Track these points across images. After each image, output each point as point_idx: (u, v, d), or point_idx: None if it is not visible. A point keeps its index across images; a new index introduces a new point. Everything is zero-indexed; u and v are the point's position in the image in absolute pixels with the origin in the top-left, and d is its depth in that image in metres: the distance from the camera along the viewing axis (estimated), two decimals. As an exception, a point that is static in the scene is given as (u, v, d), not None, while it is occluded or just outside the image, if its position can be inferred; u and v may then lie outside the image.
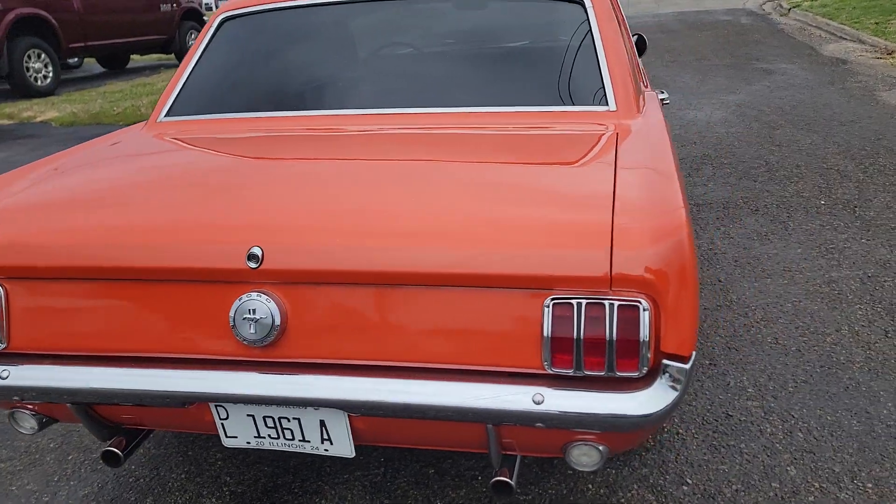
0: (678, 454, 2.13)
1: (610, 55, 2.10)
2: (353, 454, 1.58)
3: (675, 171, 1.66)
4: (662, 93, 2.81)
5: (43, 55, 10.19)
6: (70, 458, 2.27)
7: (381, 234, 1.39)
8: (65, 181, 1.76)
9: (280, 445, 1.59)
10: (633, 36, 3.45)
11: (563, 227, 1.34)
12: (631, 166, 1.58)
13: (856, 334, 2.72)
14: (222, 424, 1.58)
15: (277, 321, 1.41)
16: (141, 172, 1.80)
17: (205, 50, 2.38)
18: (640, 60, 2.56)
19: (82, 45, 10.93)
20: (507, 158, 1.73)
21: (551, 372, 1.34)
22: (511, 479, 1.52)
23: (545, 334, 1.32)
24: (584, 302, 1.31)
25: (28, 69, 9.99)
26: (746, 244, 3.61)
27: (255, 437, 1.59)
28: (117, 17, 11.34)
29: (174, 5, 12.46)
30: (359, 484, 2.07)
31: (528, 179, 1.57)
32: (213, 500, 2.05)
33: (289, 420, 1.54)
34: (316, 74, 2.24)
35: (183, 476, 2.16)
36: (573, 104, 2.03)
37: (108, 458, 1.70)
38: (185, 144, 2.01)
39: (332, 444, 1.56)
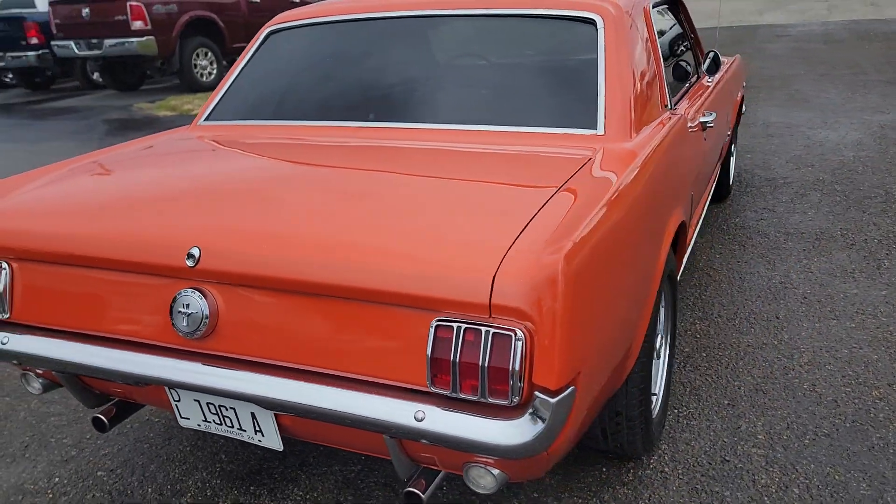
0: (654, 492, 2.06)
1: (611, 77, 2.06)
2: (282, 448, 1.69)
3: (631, 197, 1.63)
4: (708, 115, 2.69)
5: (209, 53, 11.14)
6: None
7: (299, 245, 1.48)
8: (78, 177, 1.99)
9: (223, 431, 1.72)
10: (706, 53, 3.31)
11: (459, 251, 1.36)
12: (573, 193, 1.56)
13: (909, 391, 2.47)
14: (176, 406, 1.74)
15: (207, 317, 1.54)
16: (144, 172, 2.00)
17: (249, 60, 2.58)
18: (664, 79, 2.46)
19: (244, 45, 11.83)
20: (460, 177, 1.76)
21: (433, 391, 1.38)
22: (423, 492, 1.56)
23: (428, 354, 1.35)
24: (463, 326, 1.33)
25: (195, 66, 10.97)
26: (825, 281, 3.35)
27: (202, 420, 1.73)
28: (238, 17, 12.05)
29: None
30: (332, 477, 2.18)
31: (463, 200, 1.59)
32: (205, 474, 2.24)
33: (227, 409, 1.66)
34: (330, 87, 2.36)
35: (188, 448, 2.36)
36: (562, 126, 2.01)
37: (96, 423, 1.91)
38: (200, 148, 2.20)
39: (263, 435, 1.67)
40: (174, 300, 1.56)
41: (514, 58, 2.23)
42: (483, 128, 2.06)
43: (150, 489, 2.18)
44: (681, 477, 2.12)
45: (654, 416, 2.21)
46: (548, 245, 1.33)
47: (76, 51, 10.81)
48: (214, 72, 11.31)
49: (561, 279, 1.28)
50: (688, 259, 3.59)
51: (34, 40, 11.86)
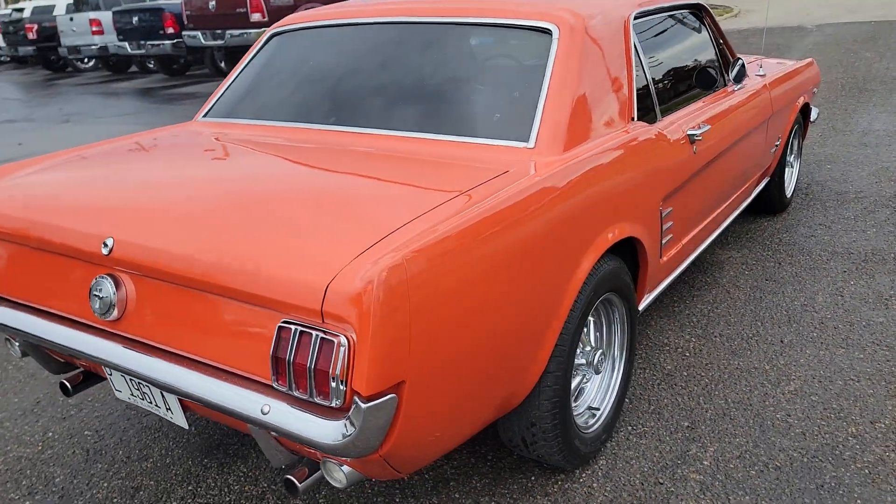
0: (571, 507, 2.06)
1: (554, 89, 2.06)
2: (187, 426, 1.84)
3: (525, 211, 1.66)
4: (699, 128, 2.60)
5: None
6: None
7: (187, 242, 1.61)
8: (53, 169, 2.22)
9: (145, 406, 1.90)
10: (734, 61, 3.17)
11: (308, 259, 1.45)
12: (455, 206, 1.60)
13: (891, 432, 2.31)
14: (110, 380, 1.93)
15: (114, 302, 1.71)
16: (107, 166, 2.19)
17: (249, 61, 2.76)
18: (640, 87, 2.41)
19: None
20: (363, 183, 1.83)
21: (275, 387, 1.48)
22: (301, 481, 1.66)
23: (271, 352, 1.46)
24: (299, 329, 1.42)
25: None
26: (852, 307, 3.14)
27: (130, 395, 1.92)
28: None
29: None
30: (277, 458, 2.32)
31: (349, 206, 1.67)
32: (171, 443, 2.45)
33: (145, 386, 1.84)
34: (303, 90, 2.48)
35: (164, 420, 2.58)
36: (497, 137, 2.03)
37: (62, 388, 2.15)
38: (173, 145, 2.39)
39: (172, 413, 1.84)
40: (92, 284, 1.74)
41: (470, 66, 2.27)
42: (421, 135, 2.12)
43: (121, 451, 2.42)
44: (606, 495, 2.10)
45: (591, 431, 2.20)
46: (383, 256, 1.39)
47: (203, 41, 11.61)
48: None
49: (378, 290, 1.34)
50: (712, 274, 3.47)
51: (170, 30, 12.85)
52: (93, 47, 14.81)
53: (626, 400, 2.56)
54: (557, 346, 1.92)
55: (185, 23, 11.80)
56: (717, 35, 3.19)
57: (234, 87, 2.70)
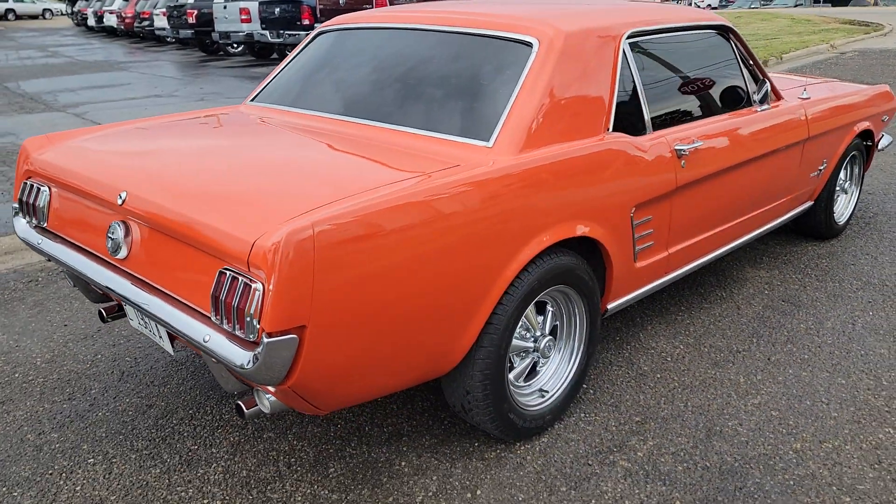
0: (500, 473, 2.28)
1: (523, 95, 2.29)
2: (173, 353, 2.23)
3: (454, 199, 1.92)
4: (690, 144, 2.73)
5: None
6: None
7: (173, 196, 1.99)
8: (106, 136, 2.68)
9: (147, 333, 2.31)
10: (761, 83, 3.24)
11: (252, 218, 1.79)
12: (393, 187, 1.89)
13: (835, 452, 2.37)
14: (126, 309, 2.36)
15: (121, 244, 2.12)
16: (153, 136, 2.63)
17: (297, 54, 3.14)
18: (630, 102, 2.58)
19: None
20: (334, 163, 2.15)
21: (213, 320, 1.82)
22: (248, 407, 2.00)
23: (211, 292, 1.80)
24: (231, 274, 1.76)
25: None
26: (859, 336, 3.13)
27: (139, 323, 2.34)
28: None
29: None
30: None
31: (311, 180, 1.99)
32: (194, 368, 2.87)
33: (146, 314, 2.24)
34: (326, 83, 2.83)
35: (187, 364, 3.02)
36: (463, 135, 2.29)
37: (99, 314, 2.61)
38: (215, 124, 2.80)
39: (163, 340, 2.23)
40: (109, 226, 2.17)
41: (458, 71, 2.52)
42: (402, 128, 2.41)
43: (148, 376, 2.87)
44: (535, 467, 2.31)
45: (534, 409, 2.42)
46: (297, 222, 1.69)
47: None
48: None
49: (284, 248, 1.65)
50: (729, 289, 3.54)
51: (306, 21, 13.72)
52: (240, 34, 16.01)
53: (591, 391, 2.73)
54: (492, 325, 2.15)
55: (318, 16, 12.59)
56: (745, 56, 3.26)
57: (279, 77, 3.09)
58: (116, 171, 2.28)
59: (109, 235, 2.16)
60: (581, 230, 2.32)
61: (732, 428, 2.51)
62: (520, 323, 2.35)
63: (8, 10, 45.68)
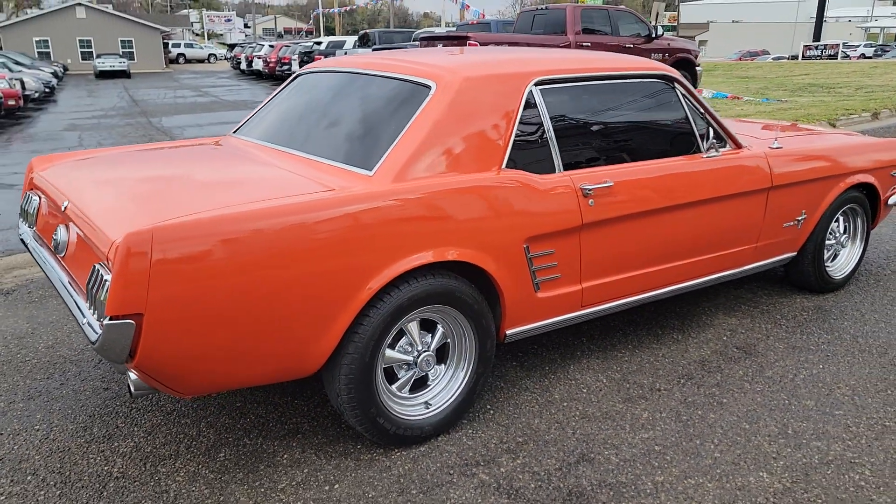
0: (359, 474, 2.50)
1: (412, 131, 2.56)
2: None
3: (309, 217, 2.21)
4: (596, 183, 2.87)
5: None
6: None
7: (98, 208, 2.40)
8: (94, 159, 3.15)
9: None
10: (706, 132, 3.32)
11: (128, 222, 2.15)
12: (258, 204, 2.21)
13: (683, 500, 2.42)
14: (78, 300, 2.79)
15: (62, 244, 2.56)
16: (133, 157, 3.09)
17: (276, 94, 3.55)
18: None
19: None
20: (226, 185, 2.50)
21: (87, 307, 2.19)
22: (133, 388, 2.33)
23: (86, 281, 2.17)
24: (98, 267, 2.12)
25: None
26: (792, 387, 3.10)
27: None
28: None
29: (665, 55, 13.44)
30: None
31: (196, 196, 2.35)
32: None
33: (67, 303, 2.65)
34: (279, 119, 3.22)
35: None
36: (353, 164, 2.59)
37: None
38: (191, 149, 3.23)
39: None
40: (56, 228, 2.61)
41: (369, 108, 2.83)
42: (310, 156, 2.76)
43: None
44: (400, 471, 2.51)
45: (412, 419, 2.63)
46: (140, 227, 2.04)
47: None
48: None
49: (122, 247, 1.99)
50: (686, 331, 3.58)
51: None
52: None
53: (491, 410, 2.89)
54: (357, 334, 2.40)
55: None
56: (693, 105, 3.35)
57: (259, 111, 3.51)
58: (74, 183, 2.73)
59: (54, 237, 2.60)
60: (452, 255, 2.52)
61: (606, 457, 2.60)
62: (399, 336, 2.58)
63: (179, 55, 50.84)
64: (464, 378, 2.75)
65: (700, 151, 3.33)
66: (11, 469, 2.52)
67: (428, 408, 2.70)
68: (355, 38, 21.56)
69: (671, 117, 3.30)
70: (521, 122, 2.80)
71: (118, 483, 2.44)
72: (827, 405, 2.95)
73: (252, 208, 2.20)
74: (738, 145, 3.50)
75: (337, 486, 2.44)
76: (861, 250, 4.26)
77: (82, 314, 2.24)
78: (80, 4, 42.28)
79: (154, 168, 2.90)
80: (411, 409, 2.67)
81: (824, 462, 2.57)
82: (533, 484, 2.45)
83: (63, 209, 2.55)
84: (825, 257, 4.12)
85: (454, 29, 17.59)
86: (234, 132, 3.51)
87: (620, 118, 3.15)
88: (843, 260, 4.23)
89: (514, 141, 2.77)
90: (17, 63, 24.72)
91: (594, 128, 3.05)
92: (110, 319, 2.03)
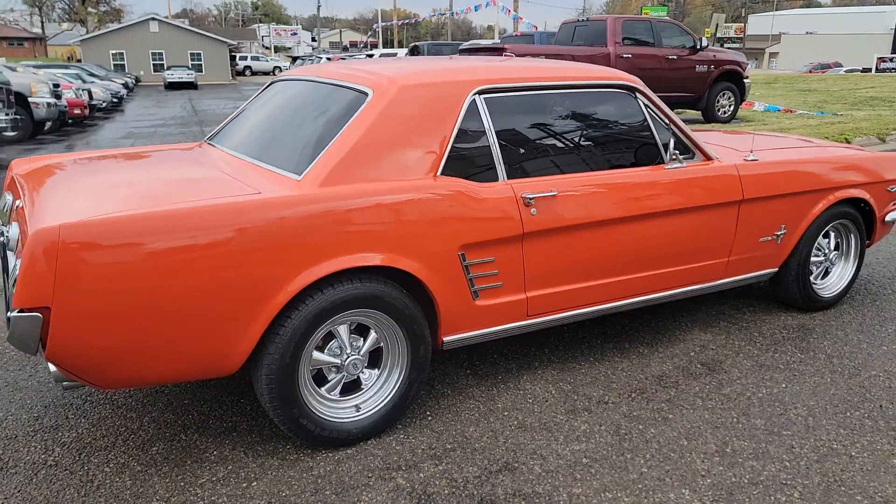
0: (281, 473, 2.55)
1: (344, 137, 2.61)
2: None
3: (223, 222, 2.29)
4: (540, 193, 2.86)
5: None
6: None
7: (44, 204, 2.53)
8: (86, 158, 3.31)
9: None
10: (667, 142, 3.27)
11: (50, 220, 2.26)
12: (179, 204, 2.30)
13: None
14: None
15: (11, 241, 2.70)
16: (110, 161, 3.22)
17: (250, 100, 3.66)
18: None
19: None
20: (169, 189, 2.60)
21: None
22: (55, 378, 2.43)
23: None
24: (17, 261, 2.23)
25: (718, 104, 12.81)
26: (746, 407, 3.02)
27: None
28: (656, 72, 12.71)
29: (711, 67, 13.18)
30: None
31: (132, 197, 2.45)
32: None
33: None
34: (241, 122, 3.32)
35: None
36: (286, 168, 2.66)
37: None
38: (165, 153, 3.36)
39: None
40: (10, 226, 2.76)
41: (313, 114, 2.89)
42: (254, 161, 2.84)
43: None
44: (321, 472, 2.54)
45: (341, 421, 2.66)
46: (55, 222, 2.14)
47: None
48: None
49: (30, 245, 2.09)
50: (654, 346, 3.53)
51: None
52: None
53: (430, 416, 2.90)
54: (278, 335, 2.45)
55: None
56: (656, 115, 3.30)
57: (233, 118, 3.62)
58: (34, 183, 2.88)
59: (6, 233, 2.74)
60: (377, 260, 2.56)
61: (530, 467, 2.58)
62: (329, 339, 2.63)
63: (246, 67, 52.51)
64: (396, 383, 2.77)
65: (662, 163, 3.28)
66: (-41, 453, 2.67)
67: (358, 411, 2.73)
68: (405, 50, 21.89)
69: (631, 127, 3.27)
70: (461, 131, 2.81)
71: (49, 471, 2.55)
72: (777, 425, 2.85)
73: (163, 209, 2.28)
74: (707, 157, 3.43)
75: (255, 483, 2.49)
76: (854, 268, 4.10)
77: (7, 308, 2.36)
78: (153, 19, 44.14)
79: (113, 171, 3.02)
80: (341, 411, 2.71)
81: (754, 482, 2.49)
82: (447, 490, 2.45)
83: (17, 207, 2.69)
84: (815, 274, 3.99)
85: (499, 41, 17.64)
86: (208, 138, 3.63)
87: (573, 128, 3.13)
88: (834, 277, 4.08)
89: (453, 148, 2.79)
90: (91, 74, 25.95)
91: (544, 137, 3.05)
92: (18, 312, 2.13)
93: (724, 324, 3.87)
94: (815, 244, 3.90)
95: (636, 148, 3.26)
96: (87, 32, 54.98)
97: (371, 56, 24.75)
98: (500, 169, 2.88)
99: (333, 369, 2.69)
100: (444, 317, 2.79)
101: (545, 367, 3.35)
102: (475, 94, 2.87)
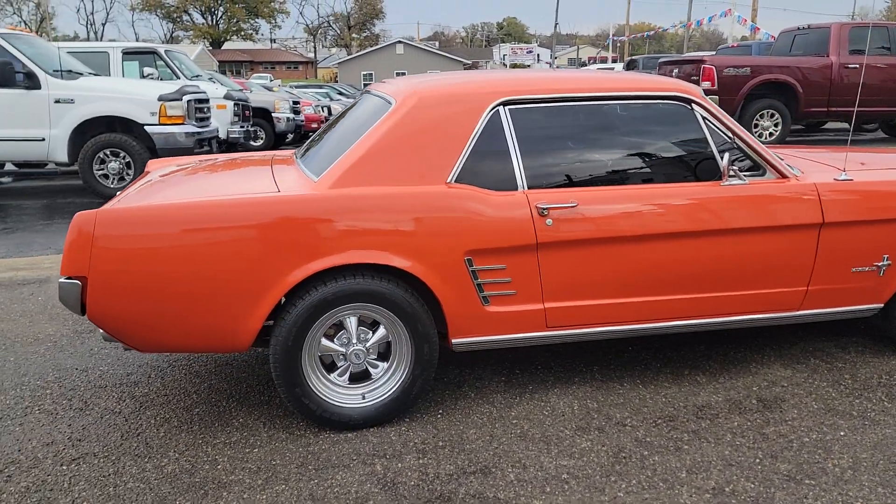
0: (265, 451, 2.81)
1: (362, 142, 2.84)
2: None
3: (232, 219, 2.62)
4: (562, 204, 2.85)
5: (775, 115, 11.41)
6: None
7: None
8: (204, 163, 3.86)
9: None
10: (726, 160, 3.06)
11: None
12: (199, 199, 2.69)
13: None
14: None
15: None
16: (222, 168, 3.74)
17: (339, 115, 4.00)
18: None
19: (824, 110, 11.58)
20: (216, 190, 2.98)
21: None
22: (102, 336, 2.92)
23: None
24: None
25: (756, 126, 11.43)
26: (781, 447, 2.75)
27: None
28: (879, 88, 11.39)
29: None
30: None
31: (181, 194, 2.88)
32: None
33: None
34: (321, 137, 3.62)
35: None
36: (310, 171, 2.95)
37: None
38: (252, 166, 3.81)
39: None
40: None
41: (356, 125, 3.11)
42: (300, 167, 3.13)
43: (192, 334, 3.99)
44: (314, 450, 2.77)
45: (342, 406, 2.86)
46: (96, 210, 2.59)
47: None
48: (777, 133, 11.52)
49: (74, 227, 2.56)
50: (714, 376, 3.33)
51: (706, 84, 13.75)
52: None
53: (441, 412, 3.00)
54: (283, 320, 2.73)
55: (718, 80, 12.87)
56: (716, 128, 3.09)
57: (321, 129, 3.99)
58: (147, 180, 3.44)
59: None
60: (377, 259, 2.72)
61: (506, 473, 2.59)
62: (339, 329, 2.84)
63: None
64: (401, 377, 2.91)
65: (719, 179, 3.07)
66: None
67: (364, 399, 2.91)
68: (622, 64, 21.47)
69: (682, 141, 3.10)
70: (481, 139, 2.89)
71: (112, 417, 3.04)
72: (803, 472, 2.56)
73: (182, 202, 2.67)
74: (781, 175, 3.14)
75: (256, 450, 2.77)
76: None
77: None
78: (399, 42, 47.81)
79: (201, 175, 3.50)
80: (347, 397, 2.90)
81: (733, 526, 2.29)
82: (414, 482, 2.55)
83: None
84: (943, 315, 3.44)
85: (714, 53, 16.67)
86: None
87: (612, 141, 3.06)
88: None
89: (470, 157, 2.87)
90: (340, 93, 28.78)
91: (574, 149, 3.01)
92: (65, 279, 2.62)
93: (814, 361, 3.48)
94: (939, 280, 3.37)
95: (688, 163, 3.10)
96: (348, 56, 60.89)
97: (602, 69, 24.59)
98: (521, 179, 2.91)
99: (341, 357, 2.90)
100: (451, 319, 2.88)
101: (582, 383, 3.28)
102: (498, 104, 2.93)
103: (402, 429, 2.91)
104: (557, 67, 62.54)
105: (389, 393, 2.91)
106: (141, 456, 2.73)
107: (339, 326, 2.87)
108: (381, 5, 72.08)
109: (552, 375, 3.37)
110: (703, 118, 3.10)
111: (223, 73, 52.53)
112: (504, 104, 2.94)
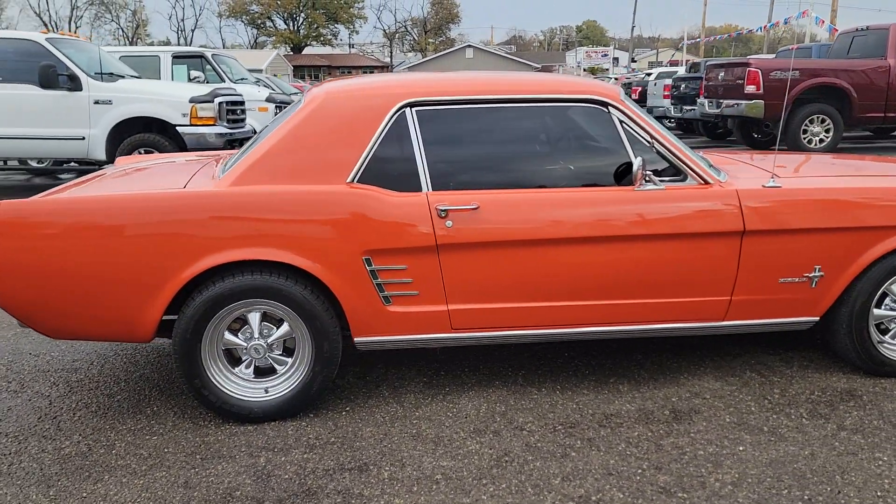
0: (159, 436, 2.92)
1: (266, 142, 2.93)
2: None
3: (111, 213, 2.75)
4: (459, 205, 2.85)
5: (826, 120, 10.92)
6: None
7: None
8: (166, 159, 4.03)
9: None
10: (630, 162, 3.00)
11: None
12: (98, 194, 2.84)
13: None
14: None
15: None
16: (183, 164, 3.90)
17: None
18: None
19: (880, 115, 11.02)
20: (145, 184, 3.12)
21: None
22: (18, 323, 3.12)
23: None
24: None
25: (805, 131, 10.97)
26: (711, 458, 2.68)
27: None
28: None
29: None
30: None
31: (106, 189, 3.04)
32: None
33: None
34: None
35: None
36: (226, 169, 3.03)
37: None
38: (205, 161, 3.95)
39: None
40: None
41: (277, 123, 3.20)
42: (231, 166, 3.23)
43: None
44: (210, 440, 2.86)
45: (243, 400, 2.95)
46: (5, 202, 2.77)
47: (707, 108, 12.26)
48: (828, 139, 11.02)
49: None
50: (636, 383, 3.28)
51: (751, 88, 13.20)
52: (660, 108, 16.66)
53: (348, 408, 3.05)
54: (182, 314, 2.83)
55: (703, 91, 12.61)
56: (634, 131, 3.02)
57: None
58: (98, 176, 3.63)
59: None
60: (270, 256, 2.79)
61: (381, 471, 2.61)
62: (244, 323, 2.93)
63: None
64: (302, 374, 2.97)
65: (632, 184, 3.01)
66: None
67: (266, 393, 2.98)
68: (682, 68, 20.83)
69: (596, 145, 3.05)
70: (386, 140, 2.93)
71: (106, 400, 3.23)
72: (679, 486, 2.48)
73: (80, 196, 2.81)
74: (703, 181, 3.05)
75: (156, 438, 2.88)
76: (950, 330, 3.25)
77: None
78: (469, 46, 47.99)
79: (146, 173, 3.66)
80: (250, 390, 2.98)
81: (580, 535, 2.25)
82: (288, 476, 2.60)
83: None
84: (894, 332, 3.26)
85: (774, 55, 16.02)
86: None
87: (519, 143, 3.04)
88: (916, 337, 3.29)
89: (373, 158, 2.91)
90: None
91: (481, 151, 3.01)
92: (-22, 268, 2.80)
93: (749, 374, 3.35)
94: (884, 294, 3.19)
95: (602, 167, 3.04)
96: (418, 60, 61.47)
97: (649, 75, 23.99)
98: (425, 180, 2.93)
99: (244, 351, 2.98)
100: (352, 318, 2.92)
101: (500, 387, 3.26)
102: (404, 106, 2.96)
103: (303, 423, 2.97)
104: (633, 71, 61.26)
105: (291, 388, 2.97)
106: (47, 437, 2.88)
107: (245, 321, 2.96)
108: (457, 9, 72.44)
109: (474, 378, 3.37)
110: (620, 121, 3.04)
111: (301, 77, 53.88)
112: (410, 105, 2.97)
